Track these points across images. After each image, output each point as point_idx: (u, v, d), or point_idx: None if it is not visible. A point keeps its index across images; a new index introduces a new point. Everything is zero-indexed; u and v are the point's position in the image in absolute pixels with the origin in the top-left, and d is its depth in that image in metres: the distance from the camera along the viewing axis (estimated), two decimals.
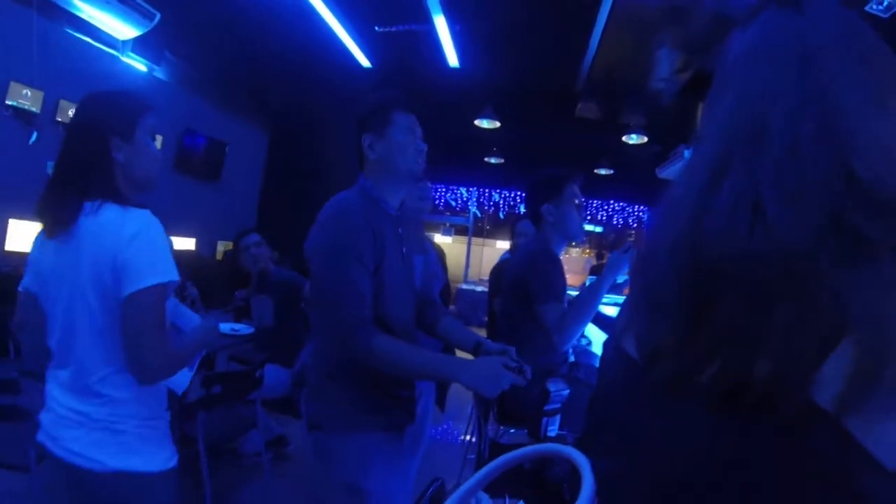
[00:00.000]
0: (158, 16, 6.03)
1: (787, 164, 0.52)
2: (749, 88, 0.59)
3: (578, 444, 0.73)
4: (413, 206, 2.77)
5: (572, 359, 2.76)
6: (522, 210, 12.28)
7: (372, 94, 1.89)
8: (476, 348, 1.87)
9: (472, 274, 13.63)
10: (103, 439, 1.46)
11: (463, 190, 12.46)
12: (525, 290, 2.49)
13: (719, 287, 0.51)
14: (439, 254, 3.21)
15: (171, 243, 1.82)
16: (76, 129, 1.54)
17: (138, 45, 6.54)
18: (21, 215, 5.57)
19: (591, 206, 12.38)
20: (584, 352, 3.34)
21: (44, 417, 1.53)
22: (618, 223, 12.58)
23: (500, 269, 4.19)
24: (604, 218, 12.50)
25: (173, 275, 1.47)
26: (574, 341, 2.54)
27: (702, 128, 0.64)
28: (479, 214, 12.79)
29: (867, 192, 0.48)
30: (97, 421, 1.46)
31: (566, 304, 2.54)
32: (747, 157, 0.54)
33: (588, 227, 12.81)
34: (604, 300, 2.52)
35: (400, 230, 1.85)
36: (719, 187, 0.55)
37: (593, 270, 10.57)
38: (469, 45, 6.69)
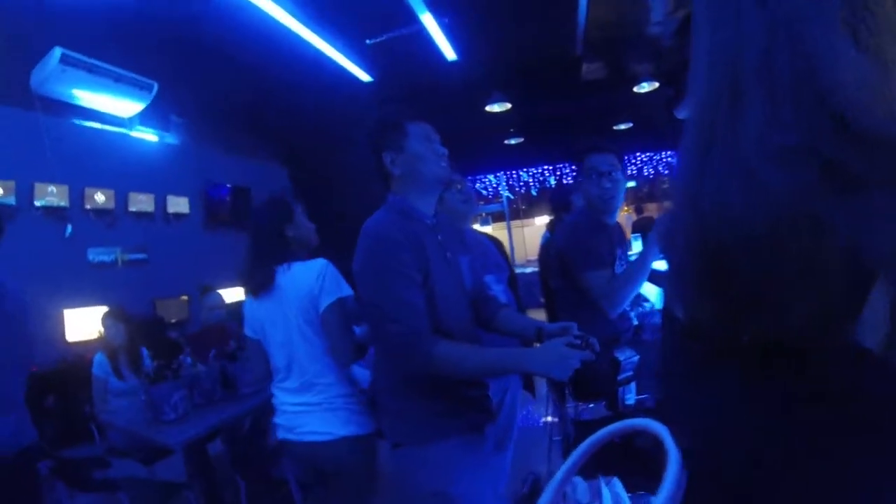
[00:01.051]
0: (156, 85, 6.18)
1: (766, 118, 0.49)
2: (717, 30, 0.56)
3: (659, 411, 0.73)
4: (459, 209, 2.78)
5: (636, 322, 2.71)
6: (553, 182, 12.21)
7: (379, 111, 1.90)
8: (538, 334, 1.86)
9: (519, 256, 13.58)
10: (325, 417, 2.20)
11: (491, 177, 12.40)
12: (567, 262, 2.49)
13: (732, 256, 0.50)
14: (497, 244, 3.19)
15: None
16: (258, 227, 2.46)
17: (145, 117, 6.71)
18: (75, 304, 5.74)
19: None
20: (650, 313, 3.29)
21: (279, 419, 2.32)
22: (649, 174, 12.35)
23: (547, 249, 4.17)
24: (634, 172, 12.28)
25: (347, 291, 2.23)
26: (625, 306, 2.49)
27: (689, 80, 0.62)
28: (511, 197, 12.72)
29: (852, 131, 0.46)
30: (318, 405, 2.21)
31: (617, 270, 2.51)
32: (728, 115, 0.52)
33: None
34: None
35: (439, 237, 1.86)
36: (710, 153, 0.53)
37: (636, 227, 10.39)
38: (462, 35, 6.64)
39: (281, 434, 2.33)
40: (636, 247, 5.54)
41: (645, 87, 7.12)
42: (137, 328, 4.05)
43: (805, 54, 0.49)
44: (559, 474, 0.73)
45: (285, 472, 2.98)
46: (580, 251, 2.44)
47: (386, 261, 1.66)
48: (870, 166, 0.45)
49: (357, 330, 2.33)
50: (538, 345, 1.75)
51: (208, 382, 3.23)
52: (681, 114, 8.85)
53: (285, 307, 2.24)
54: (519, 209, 13.82)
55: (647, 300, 3.37)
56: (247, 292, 2.43)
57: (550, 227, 4.52)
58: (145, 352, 3.86)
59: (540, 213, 15.71)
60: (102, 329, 3.90)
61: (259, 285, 2.29)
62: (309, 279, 2.22)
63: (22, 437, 2.50)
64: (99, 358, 3.80)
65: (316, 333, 2.22)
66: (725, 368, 0.56)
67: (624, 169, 2.61)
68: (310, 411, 2.22)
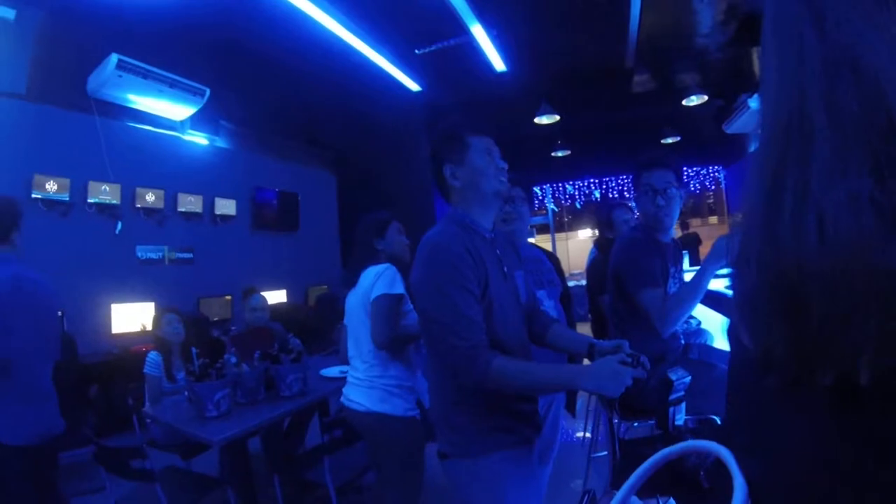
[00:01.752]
0: (208, 91, 6.34)
1: (835, 157, 0.47)
2: (783, 61, 0.54)
3: (718, 435, 0.71)
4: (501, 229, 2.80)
5: (683, 341, 2.66)
6: (597, 196, 12.10)
7: (441, 123, 1.90)
8: (590, 350, 1.86)
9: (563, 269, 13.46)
10: (365, 392, 2.69)
11: (537, 189, 12.36)
12: (620, 280, 2.47)
13: (806, 293, 0.48)
14: (554, 261, 3.19)
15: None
16: (357, 238, 2.96)
17: (196, 121, 6.90)
18: (122, 299, 5.92)
19: None
20: (696, 332, 3.23)
21: (344, 388, 2.87)
22: (695, 188, 12.14)
23: (597, 267, 4.13)
24: (660, 186, 12.03)
25: (398, 290, 2.69)
26: (677, 327, 2.46)
27: (759, 107, 0.60)
28: (556, 209, 12.64)
29: None
30: (362, 381, 2.72)
31: (670, 288, 2.49)
32: (798, 150, 0.50)
33: None
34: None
35: (497, 251, 1.86)
36: (782, 188, 0.51)
37: (681, 242, 10.23)
38: (511, 46, 6.64)
39: (342, 399, 2.86)
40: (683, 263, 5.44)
41: (693, 101, 7.01)
42: (190, 328, 4.12)
43: (871, 86, 0.46)
44: (622, 492, 0.73)
45: (324, 476, 2.98)
46: (634, 270, 2.42)
47: (446, 273, 1.65)
48: None
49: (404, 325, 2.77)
50: (588, 362, 1.74)
51: (252, 382, 3.28)
52: (729, 128, 8.73)
53: (356, 301, 2.81)
54: (563, 221, 13.70)
55: (692, 317, 3.31)
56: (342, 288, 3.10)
57: (598, 243, 4.48)
58: (194, 351, 3.92)
59: (583, 227, 15.60)
60: (159, 327, 3.95)
61: (347, 284, 2.94)
62: (371, 277, 2.73)
63: (53, 427, 2.66)
64: (154, 357, 3.82)
65: (367, 321, 2.72)
66: (801, 403, 0.54)
67: (681, 184, 2.57)
68: (357, 385, 2.75)
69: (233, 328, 6.76)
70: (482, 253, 1.74)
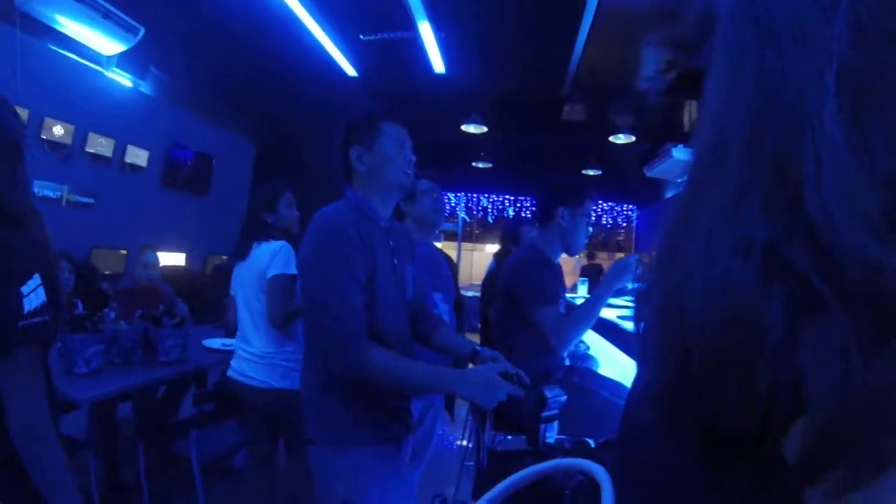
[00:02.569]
0: (143, 30, 6.01)
1: (734, 192, 0.47)
2: (717, 81, 0.52)
3: (592, 457, 0.73)
4: (428, 219, 2.87)
5: (568, 363, 2.74)
6: (511, 213, 12.28)
7: (360, 106, 1.88)
8: (472, 356, 1.88)
9: (464, 279, 13.59)
10: (265, 369, 2.73)
11: (451, 195, 12.43)
12: (517, 296, 2.49)
13: (688, 338, 0.48)
14: (451, 265, 3.21)
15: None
16: (248, 208, 3.14)
17: (123, 60, 6.49)
18: None
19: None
20: (583, 356, 3.33)
21: (233, 362, 2.88)
22: (607, 223, 12.56)
23: (492, 278, 4.18)
24: (593, 217, 12.43)
25: (293, 269, 2.66)
26: (572, 346, 2.53)
27: (694, 136, 0.60)
28: (468, 219, 12.76)
29: (823, 243, 0.42)
30: (261, 357, 2.75)
31: (563, 309, 2.56)
32: (712, 182, 0.50)
33: None
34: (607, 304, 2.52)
35: (391, 242, 1.84)
36: (687, 221, 0.51)
37: (584, 271, 10.55)
38: (455, 51, 6.67)
39: (230, 373, 2.87)
40: (581, 290, 5.61)
41: (621, 139, 7.25)
42: (78, 278, 3.90)
43: (793, 137, 0.45)
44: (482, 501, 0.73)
45: (189, 450, 2.88)
46: (532, 288, 2.45)
47: (334, 255, 1.63)
48: (833, 284, 0.41)
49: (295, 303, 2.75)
50: (471, 366, 1.75)
51: (129, 342, 3.13)
52: (649, 171, 9.08)
53: (249, 275, 2.83)
54: (472, 233, 13.85)
55: (582, 341, 3.41)
56: (233, 258, 3.08)
57: (497, 256, 4.53)
58: (79, 304, 3.71)
59: (492, 241, 15.83)
60: None
61: (237, 255, 2.97)
62: (266, 255, 2.75)
63: None
64: None
65: (263, 299, 2.76)
66: (676, 445, 0.55)
67: None
68: (254, 361, 2.76)
69: (122, 284, 6.46)
70: (374, 241, 1.73)
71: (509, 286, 2.55)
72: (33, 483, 1.24)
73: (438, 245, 12.54)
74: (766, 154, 0.47)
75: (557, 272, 2.66)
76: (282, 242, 2.81)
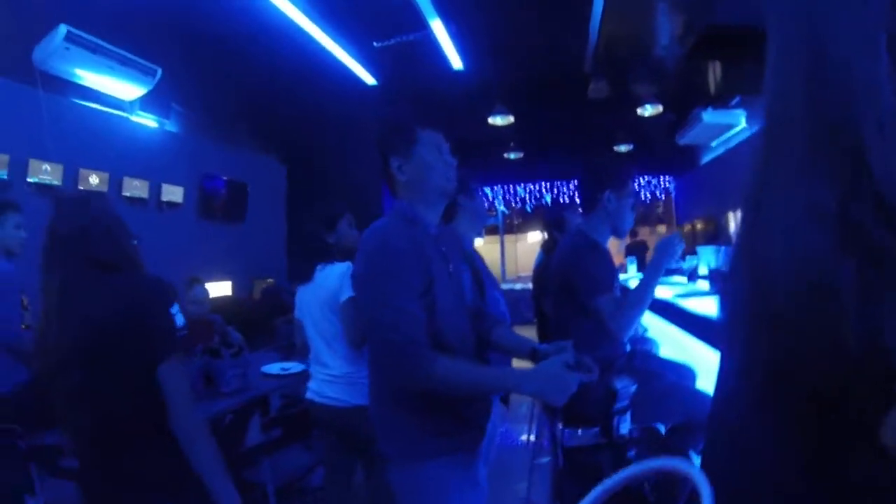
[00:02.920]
0: (160, 71, 6.13)
1: (799, 162, 0.50)
2: (776, 60, 0.57)
3: (663, 444, 0.74)
4: (475, 220, 2.94)
5: (629, 348, 2.69)
6: (548, 200, 12.18)
7: (388, 113, 1.87)
8: (532, 354, 1.85)
9: (510, 272, 13.55)
10: (344, 388, 2.75)
11: (487, 189, 12.41)
12: (572, 286, 2.46)
13: (777, 307, 0.50)
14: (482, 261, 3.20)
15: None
16: (306, 231, 3.36)
17: (146, 102, 6.62)
18: None
19: None
20: (642, 339, 3.28)
21: (311, 384, 2.92)
22: (645, 198, 12.38)
23: (542, 270, 4.12)
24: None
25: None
26: (632, 331, 2.48)
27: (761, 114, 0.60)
28: (507, 212, 12.70)
29: (880, 190, 0.44)
30: (339, 377, 2.78)
31: (618, 293, 2.53)
32: (779, 158, 0.54)
33: None
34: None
35: (443, 248, 1.81)
36: (760, 197, 0.55)
37: (629, 250, 10.41)
38: (469, 45, 6.65)
39: (309, 395, 2.91)
40: (630, 269, 5.51)
41: (648, 110, 7.12)
42: None
43: (847, 96, 0.47)
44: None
45: (261, 476, 2.92)
46: (587, 276, 2.42)
47: (387, 267, 1.62)
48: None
49: None
50: (532, 365, 1.72)
51: (192, 377, 3.18)
52: (681, 139, 8.91)
53: (316, 299, 2.87)
54: (513, 224, 13.79)
55: (641, 325, 3.36)
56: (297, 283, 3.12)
57: (545, 247, 4.43)
58: None
59: (533, 229, 15.75)
60: None
61: (299, 277, 3.04)
62: (334, 278, 2.78)
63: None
64: None
65: (336, 321, 2.78)
66: (778, 409, 0.56)
67: None
68: (334, 382, 2.79)
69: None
70: (426, 249, 1.71)
71: (563, 277, 2.52)
72: (194, 469, 1.56)
73: (479, 241, 12.68)
74: (825, 119, 0.48)
75: (608, 257, 2.62)
76: (347, 264, 2.77)
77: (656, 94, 7.15)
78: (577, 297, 2.44)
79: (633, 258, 5.57)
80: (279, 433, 2.99)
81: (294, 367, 3.84)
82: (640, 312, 2.40)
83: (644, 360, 2.82)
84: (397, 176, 1.79)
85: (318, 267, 2.90)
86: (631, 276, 5.23)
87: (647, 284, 2.37)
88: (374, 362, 1.81)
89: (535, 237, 16.12)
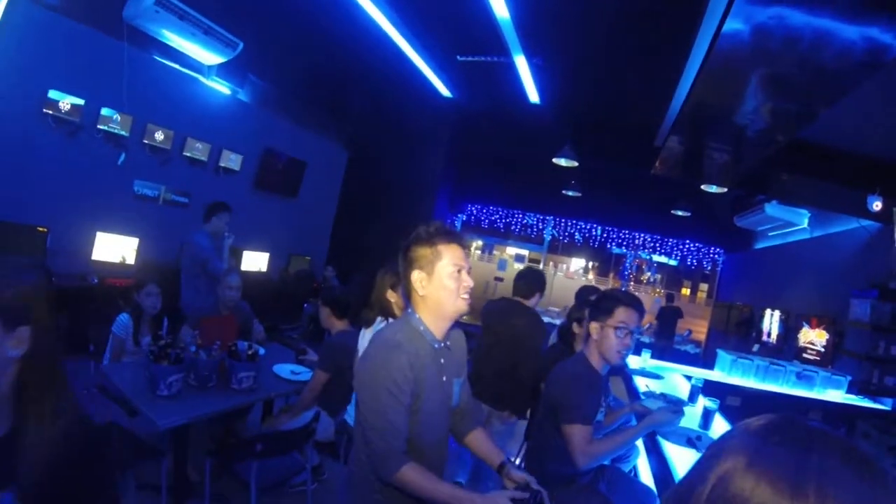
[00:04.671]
0: (241, 45, 6.27)
1: None
2: None
3: None
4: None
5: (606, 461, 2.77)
6: (598, 234, 12.12)
7: (418, 229, 1.94)
8: (500, 469, 2.02)
9: (542, 303, 13.47)
10: None
11: (531, 217, 12.47)
12: (556, 406, 2.56)
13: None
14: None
15: None
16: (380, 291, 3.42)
17: (223, 69, 6.81)
18: (108, 229, 5.93)
19: (666, 244, 12.07)
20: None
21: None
22: (691, 263, 12.18)
23: (553, 354, 4.03)
24: (678, 256, 12.13)
25: None
26: (593, 466, 2.60)
27: None
28: (555, 234, 12.60)
29: None
30: None
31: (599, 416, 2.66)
32: None
33: (661, 259, 12.48)
34: None
35: (442, 360, 1.96)
36: None
37: (661, 314, 10.27)
38: (549, 81, 6.61)
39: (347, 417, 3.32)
40: (644, 356, 5.42)
41: (713, 189, 6.99)
42: (169, 303, 4.15)
43: None
44: None
45: (250, 473, 3.02)
46: (571, 404, 2.50)
47: (383, 379, 1.78)
48: None
49: None
50: (490, 493, 1.81)
51: (206, 370, 3.33)
52: (739, 221, 8.73)
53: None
54: (559, 246, 13.66)
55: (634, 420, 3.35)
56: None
57: (561, 332, 4.24)
58: (165, 323, 3.93)
59: (578, 255, 15.70)
60: (138, 294, 3.96)
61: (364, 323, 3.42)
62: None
63: None
64: (124, 319, 3.88)
65: None
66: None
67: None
68: None
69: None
70: (425, 362, 1.87)
71: (552, 396, 2.62)
72: None
73: (520, 266, 12.70)
74: None
75: (602, 384, 2.69)
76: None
77: (725, 176, 7.00)
78: (556, 417, 2.53)
79: (648, 349, 5.51)
80: (260, 448, 3.05)
81: (303, 373, 3.96)
82: (609, 456, 2.53)
83: (611, 483, 2.94)
84: (417, 288, 1.91)
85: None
86: (644, 359, 5.25)
87: (625, 438, 2.53)
88: (359, 438, 1.94)
89: (579, 262, 16.12)
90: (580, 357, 2.71)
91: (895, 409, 5.32)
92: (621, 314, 2.57)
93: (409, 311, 1.95)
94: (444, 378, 1.97)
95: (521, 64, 6.15)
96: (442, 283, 1.87)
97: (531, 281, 4.33)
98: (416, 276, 1.89)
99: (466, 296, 1.91)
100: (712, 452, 0.63)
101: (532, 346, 4.20)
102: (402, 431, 1.79)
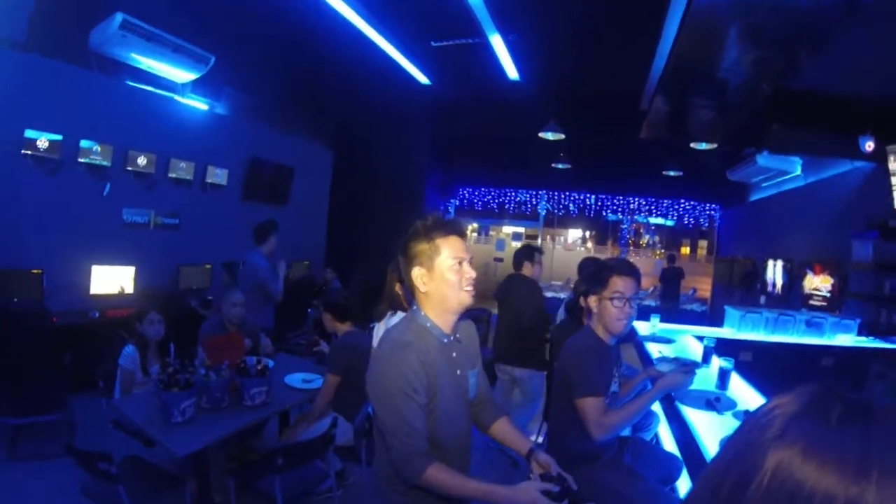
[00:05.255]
0: (213, 59, 6.20)
1: None
2: None
3: None
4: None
5: (628, 433, 2.75)
6: (593, 202, 12.10)
7: (415, 224, 1.92)
8: (528, 455, 2.00)
9: (543, 276, 13.52)
10: None
11: (524, 193, 12.41)
12: (569, 380, 2.55)
13: None
14: None
15: None
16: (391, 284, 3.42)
17: (197, 85, 6.74)
18: (103, 261, 5.88)
19: (661, 205, 12.10)
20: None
21: None
22: (688, 222, 12.17)
23: (562, 330, 4.04)
24: (675, 216, 12.14)
25: None
26: (611, 437, 2.58)
27: None
28: (549, 208, 12.58)
29: None
30: None
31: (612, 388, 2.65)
32: None
33: (658, 221, 12.47)
34: None
35: (454, 354, 1.94)
36: None
37: (663, 275, 10.26)
38: (528, 57, 6.55)
39: None
40: (653, 320, 5.40)
41: (703, 146, 6.96)
42: (173, 327, 4.09)
43: None
44: None
45: (274, 488, 3.01)
46: (582, 377, 2.49)
47: (397, 381, 1.76)
48: None
49: None
50: (520, 485, 1.79)
51: (217, 391, 3.29)
52: (732, 175, 8.71)
53: None
54: (554, 219, 13.65)
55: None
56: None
57: (569, 307, 4.24)
58: (172, 348, 3.90)
59: (574, 226, 15.68)
60: (140, 324, 3.89)
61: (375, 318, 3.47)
62: None
63: None
64: (130, 352, 3.80)
65: None
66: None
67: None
68: None
69: (209, 298, 6.75)
70: (436, 359, 1.85)
71: (565, 370, 2.62)
72: None
73: (517, 245, 12.80)
74: None
75: (612, 355, 2.69)
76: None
77: (713, 134, 6.96)
78: (571, 391, 2.52)
79: (657, 314, 5.49)
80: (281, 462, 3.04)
81: (315, 380, 3.94)
82: (626, 425, 2.50)
83: (635, 454, 2.96)
84: (418, 285, 1.88)
85: (389, 313, 3.26)
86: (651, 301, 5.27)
87: (639, 404, 2.50)
88: (380, 449, 1.93)
89: (576, 233, 16.12)
90: (587, 331, 2.71)
91: None
92: (616, 283, 2.57)
93: (415, 308, 1.93)
94: (459, 372, 1.95)
95: (497, 43, 6.09)
96: (444, 278, 1.85)
97: (519, 254, 5.11)
98: (417, 273, 1.87)
99: (470, 287, 1.88)
100: (757, 437, 0.60)
101: (528, 303, 4.88)
102: (421, 432, 1.77)
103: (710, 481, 0.63)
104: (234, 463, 3.56)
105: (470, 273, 1.88)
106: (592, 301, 2.64)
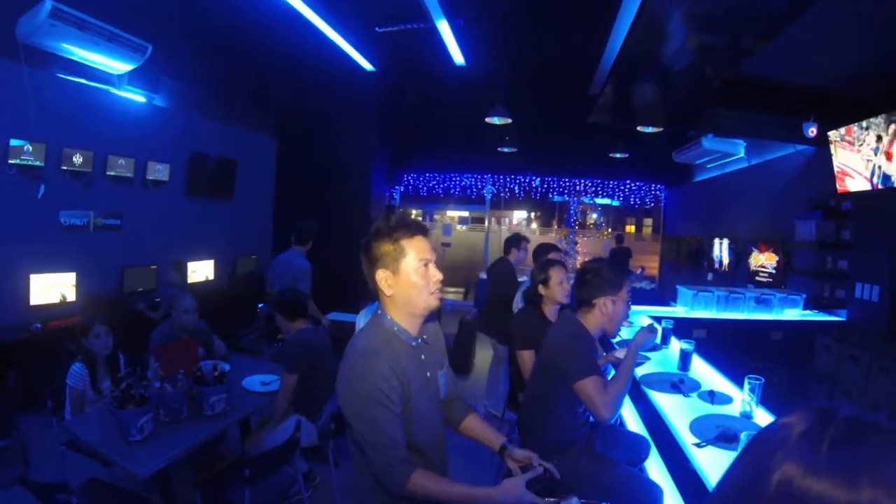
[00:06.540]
0: (150, 48, 5.90)
1: None
2: None
3: None
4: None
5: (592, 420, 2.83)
6: (537, 185, 12.19)
7: (377, 225, 1.88)
8: (501, 451, 2.04)
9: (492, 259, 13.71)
10: None
11: (469, 178, 12.47)
12: (563, 369, 2.58)
13: None
14: None
15: None
16: None
17: (134, 76, 6.39)
18: (42, 269, 5.59)
19: (608, 186, 12.28)
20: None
21: None
22: (635, 202, 12.39)
23: (524, 319, 3.99)
24: (620, 197, 12.34)
25: None
26: (618, 412, 2.72)
27: None
28: (494, 191, 12.65)
29: None
30: None
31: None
32: None
33: (604, 202, 12.68)
34: None
35: (422, 356, 1.92)
36: None
37: (612, 255, 10.45)
38: (474, 42, 6.48)
39: None
40: None
41: (649, 129, 7.08)
42: (121, 335, 3.88)
43: None
44: None
45: (244, 498, 2.95)
46: (577, 361, 2.54)
47: (369, 390, 1.71)
48: None
49: None
50: (503, 483, 1.81)
51: (175, 403, 3.15)
52: (677, 157, 8.89)
53: None
54: (500, 202, 13.75)
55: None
56: None
57: (527, 295, 4.10)
58: (121, 360, 3.73)
59: (520, 209, 15.86)
60: (86, 338, 3.66)
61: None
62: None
63: None
64: (77, 370, 3.56)
65: None
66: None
67: None
68: None
69: (157, 300, 6.52)
70: (406, 364, 1.81)
71: (554, 361, 2.66)
72: None
73: (464, 228, 12.78)
74: None
75: (596, 348, 2.75)
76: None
77: (659, 120, 7.07)
78: (563, 379, 2.57)
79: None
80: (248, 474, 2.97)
81: (273, 382, 3.85)
82: (624, 394, 2.55)
83: (605, 441, 3.01)
84: (383, 288, 1.84)
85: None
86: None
87: (628, 371, 2.57)
88: (358, 458, 1.88)
89: (521, 214, 16.37)
90: (573, 319, 2.75)
91: (850, 319, 5.58)
92: (627, 286, 2.70)
93: (380, 312, 1.89)
94: (429, 374, 1.94)
95: (444, 27, 5.99)
96: (409, 281, 1.82)
97: (508, 242, 5.96)
98: (382, 276, 1.83)
99: (436, 290, 1.86)
100: (765, 453, 0.66)
101: (504, 282, 5.60)
102: (399, 440, 1.74)
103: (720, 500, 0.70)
104: (201, 473, 3.41)
105: (437, 275, 1.86)
106: (604, 303, 2.66)
